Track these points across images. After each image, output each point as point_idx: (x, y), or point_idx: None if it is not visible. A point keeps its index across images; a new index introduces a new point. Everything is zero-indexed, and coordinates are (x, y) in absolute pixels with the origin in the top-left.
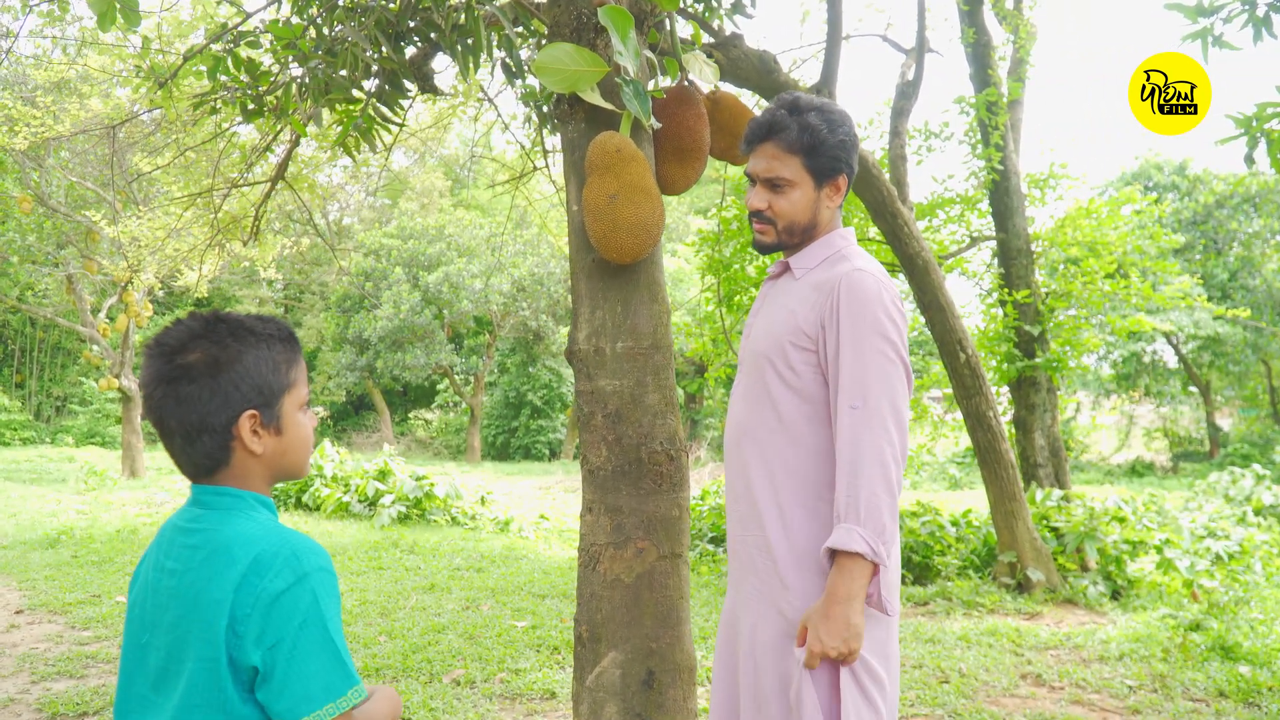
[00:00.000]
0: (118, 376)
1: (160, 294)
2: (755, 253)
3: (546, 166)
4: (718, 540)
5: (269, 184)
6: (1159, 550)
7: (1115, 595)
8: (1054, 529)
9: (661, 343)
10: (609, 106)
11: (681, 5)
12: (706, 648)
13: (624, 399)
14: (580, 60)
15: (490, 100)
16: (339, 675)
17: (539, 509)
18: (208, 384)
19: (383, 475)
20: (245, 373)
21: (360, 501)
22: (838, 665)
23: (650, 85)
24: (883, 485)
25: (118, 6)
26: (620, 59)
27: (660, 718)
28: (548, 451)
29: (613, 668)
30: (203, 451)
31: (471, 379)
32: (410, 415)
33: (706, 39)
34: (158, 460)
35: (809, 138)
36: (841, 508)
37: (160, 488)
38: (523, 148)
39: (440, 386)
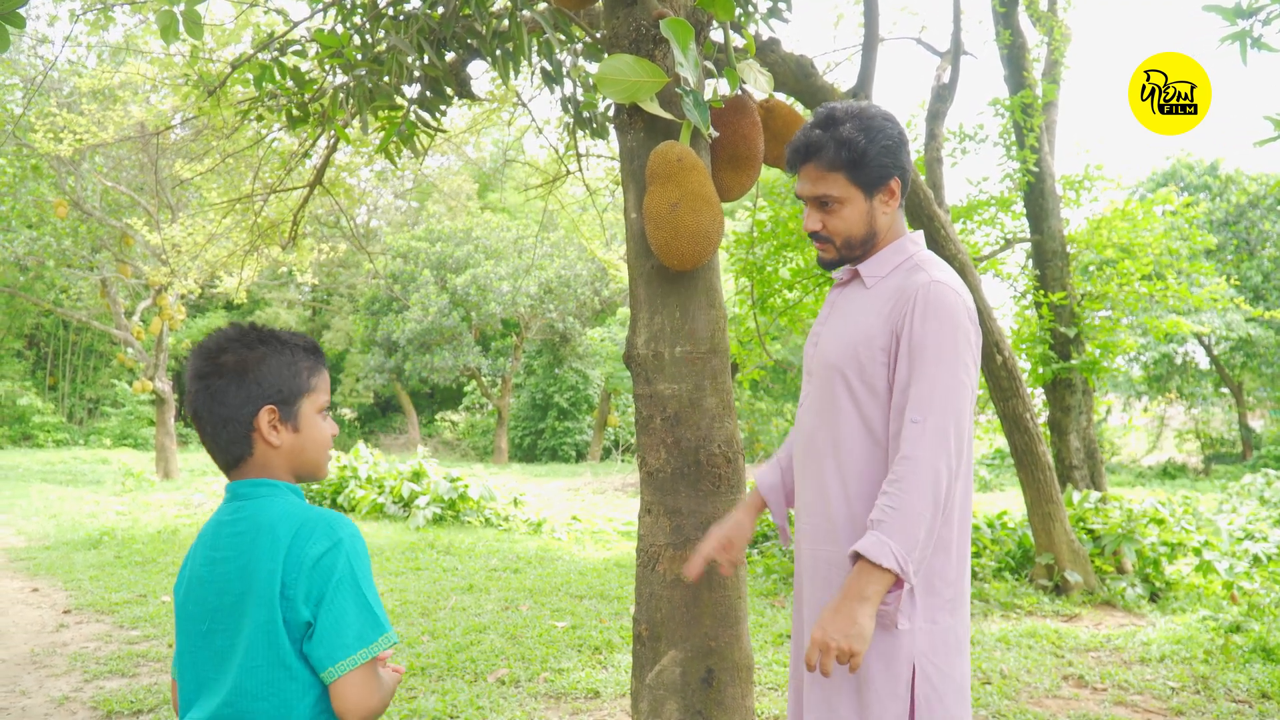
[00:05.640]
0: (152, 379)
1: (193, 297)
2: (788, 255)
3: (580, 170)
4: (751, 542)
5: (307, 189)
6: (1197, 552)
7: (1153, 597)
8: (1090, 531)
9: (719, 347)
10: (668, 116)
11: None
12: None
13: (682, 402)
14: (640, 71)
15: (524, 105)
16: (370, 625)
17: (569, 511)
18: (235, 380)
19: (417, 476)
20: (269, 373)
21: (395, 503)
22: (910, 678)
23: (707, 94)
24: (929, 501)
25: (180, 20)
26: (681, 70)
27: (720, 715)
28: (574, 453)
29: (673, 666)
30: (228, 439)
31: (499, 381)
32: (437, 417)
33: (740, 42)
34: (191, 462)
35: (847, 152)
36: (879, 514)
37: (195, 489)
38: (555, 152)
39: (468, 388)
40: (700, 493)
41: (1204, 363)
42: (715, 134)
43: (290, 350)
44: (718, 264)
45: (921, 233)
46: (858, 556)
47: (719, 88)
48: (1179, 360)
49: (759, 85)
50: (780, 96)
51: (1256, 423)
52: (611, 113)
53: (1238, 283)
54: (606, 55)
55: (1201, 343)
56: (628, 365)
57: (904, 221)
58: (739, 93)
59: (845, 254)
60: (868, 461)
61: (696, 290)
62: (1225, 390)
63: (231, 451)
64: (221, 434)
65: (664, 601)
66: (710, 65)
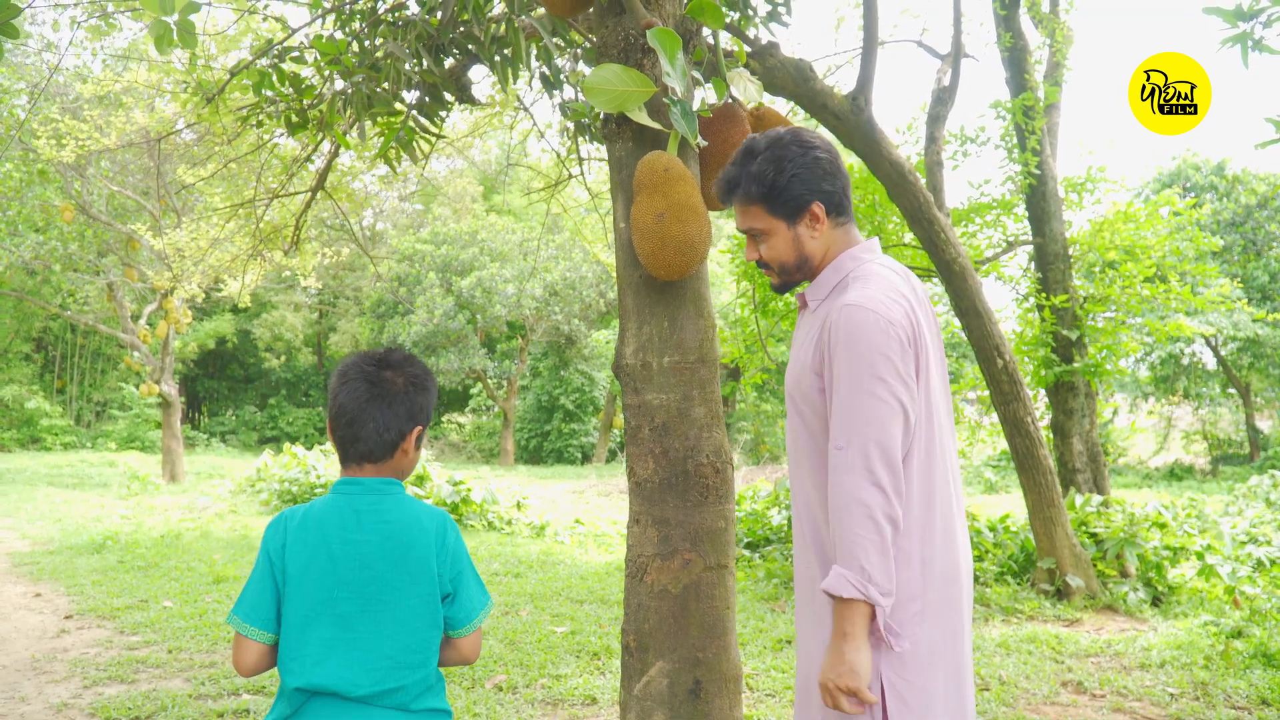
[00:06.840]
0: (158, 382)
1: (198, 301)
2: None
3: (582, 174)
4: (753, 545)
5: (309, 194)
6: (1200, 556)
7: (1156, 602)
8: (1093, 535)
9: (707, 356)
10: (656, 126)
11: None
12: (744, 654)
13: (671, 412)
14: (628, 80)
15: (526, 109)
16: (484, 593)
17: (573, 513)
18: (412, 394)
19: (420, 480)
20: (429, 400)
21: None
22: (880, 695)
23: (696, 103)
24: (866, 525)
25: (174, 30)
26: (668, 80)
27: None
28: (580, 455)
29: (660, 677)
30: (382, 440)
31: (504, 383)
32: (443, 419)
33: (731, 48)
34: (196, 465)
35: (758, 187)
36: (834, 550)
37: (201, 492)
38: (557, 155)
39: (473, 390)
40: (688, 503)
41: (1211, 363)
42: (704, 143)
43: (435, 385)
44: (706, 274)
45: (875, 240)
46: (830, 598)
47: (707, 97)
48: (1186, 361)
49: (748, 94)
50: (780, 102)
51: (1264, 423)
52: (601, 122)
53: (1241, 284)
54: (596, 64)
55: (1208, 343)
56: (617, 375)
57: (850, 235)
58: (729, 101)
59: (786, 279)
60: (826, 484)
61: (685, 300)
62: (1233, 391)
63: (377, 450)
64: (381, 433)
65: (652, 612)
66: (698, 75)
